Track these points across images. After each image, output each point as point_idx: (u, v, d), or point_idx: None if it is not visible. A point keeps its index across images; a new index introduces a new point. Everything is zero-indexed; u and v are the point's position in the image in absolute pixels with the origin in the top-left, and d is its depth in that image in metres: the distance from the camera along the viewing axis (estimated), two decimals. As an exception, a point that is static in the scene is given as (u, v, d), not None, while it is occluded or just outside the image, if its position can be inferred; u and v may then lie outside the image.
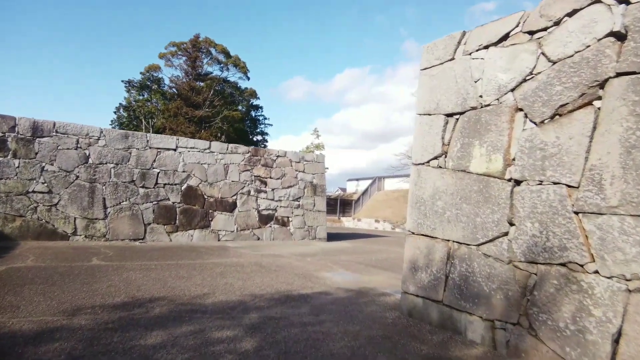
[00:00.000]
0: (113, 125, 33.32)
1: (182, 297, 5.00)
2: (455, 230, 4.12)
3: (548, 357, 3.20)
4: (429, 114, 4.61)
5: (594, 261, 3.01)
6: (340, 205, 36.56)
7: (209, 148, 13.10)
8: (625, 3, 3.03)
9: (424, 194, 4.54)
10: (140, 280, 5.83)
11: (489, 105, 3.97)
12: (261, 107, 40.17)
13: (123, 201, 11.44)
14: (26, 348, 3.12)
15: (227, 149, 13.47)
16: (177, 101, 31.98)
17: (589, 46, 3.23)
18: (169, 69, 36.34)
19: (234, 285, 5.80)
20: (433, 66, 4.64)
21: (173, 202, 12.20)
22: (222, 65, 35.12)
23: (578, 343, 3.02)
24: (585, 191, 3.11)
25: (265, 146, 37.66)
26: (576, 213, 3.15)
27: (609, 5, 3.13)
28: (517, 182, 3.63)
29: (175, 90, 34.09)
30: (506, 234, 3.65)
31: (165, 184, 12.13)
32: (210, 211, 12.82)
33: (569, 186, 3.23)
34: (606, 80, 3.08)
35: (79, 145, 11.08)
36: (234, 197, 13.35)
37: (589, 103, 3.19)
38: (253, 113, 39.77)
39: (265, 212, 13.93)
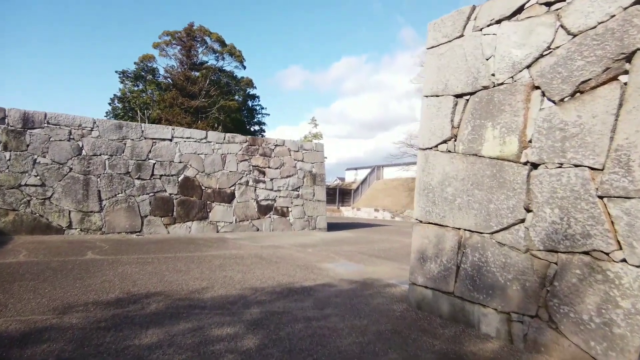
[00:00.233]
0: (108, 117, 32.89)
1: (179, 291, 4.79)
2: (467, 218, 3.89)
3: (570, 352, 3.00)
4: (437, 95, 4.35)
5: (621, 249, 2.79)
6: (339, 194, 36.38)
7: (206, 138, 12.81)
8: (657, -34, 2.76)
9: (432, 180, 4.30)
10: (136, 275, 5.62)
11: (502, 84, 3.71)
12: (258, 97, 39.79)
13: (119, 193, 11.19)
14: (11, 351, 2.90)
15: (224, 139, 13.19)
16: (173, 91, 31.54)
17: (613, 16, 2.97)
18: (163, 59, 35.93)
19: (234, 279, 5.59)
20: (440, 44, 4.37)
21: (170, 194, 11.95)
22: (217, 54, 34.63)
23: (604, 337, 2.81)
24: (611, 173, 2.87)
25: (262, 136, 37.29)
26: (601, 197, 2.93)
27: (638, -31, 2.86)
28: (534, 166, 3.39)
29: (170, 80, 33.62)
30: (523, 220, 3.42)
31: (161, 175, 11.87)
32: (208, 202, 12.59)
33: (592, 169, 3.00)
34: (634, 52, 2.83)
35: (71, 137, 10.78)
36: (232, 188, 13.11)
37: (614, 78, 2.94)
38: (250, 103, 39.35)
39: (264, 203, 13.70)
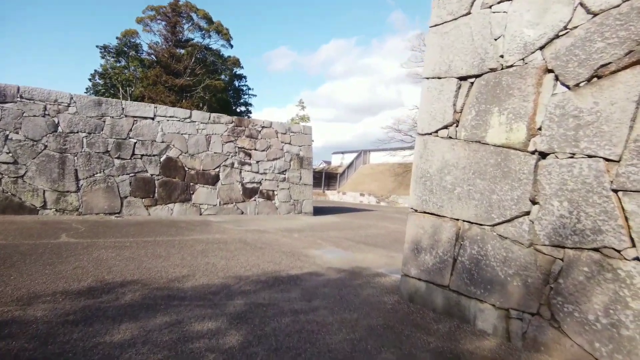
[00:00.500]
0: (88, 94, 31.72)
1: (158, 280, 4.49)
2: (467, 208, 3.67)
3: (572, 352, 2.84)
4: (439, 77, 4.08)
5: (634, 246, 2.60)
6: (325, 178, 36.16)
7: (190, 117, 12.33)
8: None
9: (430, 168, 4.06)
10: (112, 260, 5.29)
11: (511, 66, 3.45)
12: (245, 77, 38.93)
13: (97, 173, 10.70)
14: (-37, 348, 2.58)
15: (209, 119, 12.73)
16: (156, 69, 30.52)
17: (639, -6, 2.71)
18: (147, 35, 34.71)
19: (217, 266, 5.32)
20: (445, 22, 4.07)
21: (151, 174, 11.51)
22: (203, 32, 33.55)
23: (610, 338, 2.65)
24: (629, 165, 2.66)
25: (249, 117, 36.65)
26: (615, 191, 2.72)
27: (669, -58, 2.60)
28: (543, 155, 3.17)
29: (154, 57, 32.51)
30: (527, 213, 3.22)
31: (142, 155, 11.41)
32: (191, 184, 12.19)
33: (607, 160, 2.78)
34: (660, 34, 2.59)
35: (46, 113, 10.20)
36: (217, 170, 12.71)
37: (638, 62, 2.70)
38: (236, 83, 38.48)
39: (249, 186, 13.36)
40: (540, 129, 3.20)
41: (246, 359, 2.66)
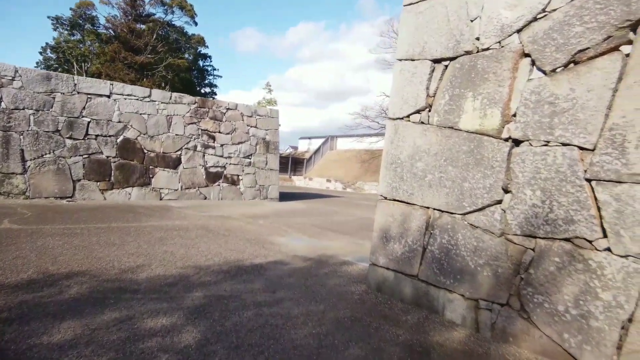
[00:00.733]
0: (39, 68, 29.61)
1: (109, 270, 4.15)
2: (438, 196, 3.56)
3: (541, 343, 2.80)
4: (412, 59, 3.91)
5: (606, 237, 2.56)
6: (292, 163, 35.86)
7: (149, 96, 11.66)
8: None
9: (401, 154, 3.92)
10: (58, 249, 4.86)
11: (487, 49, 3.32)
12: (210, 57, 37.62)
13: (46, 154, 9.94)
14: None
15: (170, 99, 12.10)
16: (115, 44, 28.85)
17: (620, -23, 2.62)
18: (104, 7, 32.65)
19: (175, 255, 5.01)
20: (420, 1, 3.88)
21: (107, 156, 10.84)
22: (166, 7, 31.93)
23: (580, 329, 2.62)
24: (603, 155, 2.60)
25: (213, 98, 35.55)
26: (589, 180, 2.66)
27: None
28: (517, 143, 3.08)
29: (112, 31, 30.71)
30: (499, 202, 3.13)
31: (97, 136, 10.70)
32: (151, 167, 11.60)
33: (582, 148, 2.72)
34: (640, 19, 2.52)
35: (-14, 86, 9.30)
36: (178, 153, 12.16)
37: (616, 48, 2.62)
38: (201, 62, 37.11)
39: (213, 170, 12.90)
40: (515, 115, 3.11)
41: (203, 359, 2.44)
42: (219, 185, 13.05)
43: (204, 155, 12.70)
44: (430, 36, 3.75)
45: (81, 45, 30.81)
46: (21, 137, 9.62)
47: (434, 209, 3.60)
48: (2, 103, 9.45)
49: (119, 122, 11.07)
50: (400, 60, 4.04)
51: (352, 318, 3.30)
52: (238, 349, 2.60)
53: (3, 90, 9.47)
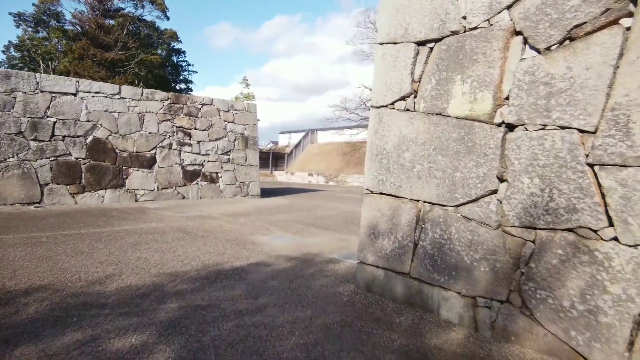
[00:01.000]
0: (2, 67, 28.23)
1: (74, 283, 3.79)
2: (427, 188, 3.33)
3: (546, 342, 2.62)
4: (395, 43, 3.65)
5: (612, 226, 2.38)
6: (273, 159, 35.41)
7: (119, 93, 11.11)
8: None
9: (386, 144, 3.67)
10: (19, 261, 4.46)
11: (475, 28, 3.09)
12: (184, 52, 36.63)
13: (9, 157, 9.34)
14: None
15: (142, 95, 11.56)
16: (83, 41, 27.70)
17: (618, -57, 2.41)
18: (70, 2, 31.31)
19: (149, 261, 4.66)
20: (400, -21, 3.62)
21: (77, 158, 10.28)
22: (135, 1, 30.83)
23: (587, 326, 2.43)
24: (606, 137, 2.41)
25: (189, 94, 34.68)
26: (591, 166, 2.47)
27: None
28: (511, 127, 2.86)
29: (79, 28, 29.48)
30: (495, 192, 2.92)
31: (64, 136, 10.13)
32: (124, 168, 11.09)
33: (582, 131, 2.52)
34: (641, -11, 2.31)
35: (-62, 87, 8.64)
36: (153, 152, 11.66)
37: (615, 21, 2.42)
38: (175, 58, 36.12)
39: (190, 168, 12.45)
40: (507, 98, 2.89)
41: (177, 385, 2.15)
42: (197, 183, 12.61)
43: (180, 154, 12.23)
44: (412, 17, 3.49)
45: (47, 43, 29.50)
46: (-20, 141, 9.00)
47: (424, 201, 3.37)
48: (-42, 105, 8.80)
49: (88, 121, 10.51)
50: (381, 44, 3.77)
51: (342, 323, 3.05)
52: (217, 369, 2.32)
53: (-42, 91, 8.82)
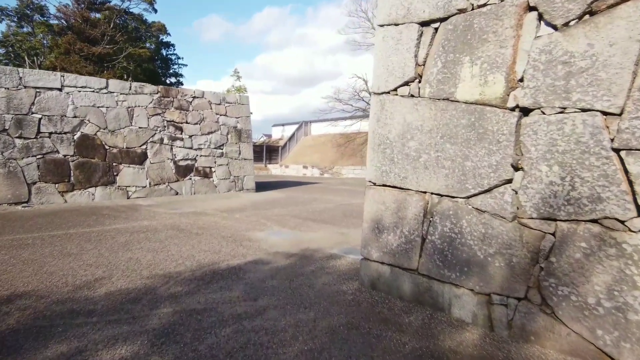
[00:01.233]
0: (-13, 65, 27.51)
1: (61, 288, 3.56)
2: (435, 179, 3.13)
3: (569, 342, 2.44)
4: (396, 24, 3.41)
5: (641, 216, 2.19)
6: (267, 152, 35.11)
7: (106, 87, 10.76)
8: None
9: (390, 133, 3.45)
10: (2, 265, 4.21)
11: (485, 5, 2.86)
12: (173, 45, 35.94)
13: (-7, 156, 9.01)
14: None
15: (130, 89, 11.22)
16: (69, 35, 27.02)
17: None
18: (54, -4, 30.37)
19: (141, 262, 4.43)
20: (402, -46, 3.37)
21: (64, 155, 9.96)
22: (121, -7, 30.08)
23: (616, 324, 2.25)
24: (633, 119, 2.21)
25: (179, 87, 34.10)
26: (617, 151, 2.27)
27: None
28: (526, 112, 2.66)
29: (64, 22, 28.76)
30: (509, 181, 2.72)
31: (51, 133, 9.79)
32: (114, 164, 10.78)
33: (606, 113, 2.31)
34: (672, -45, 2.10)
35: None
36: (144, 147, 11.35)
37: (643, -9, 2.20)
38: (164, 51, 35.48)
39: (183, 163, 12.16)
40: (521, 80, 2.67)
41: (171, 403, 1.94)
42: (190, 179, 12.33)
43: (171, 148, 11.93)
44: (416, -5, 3.25)
45: (32, 38, 28.78)
46: (-38, 139, 8.65)
47: (432, 193, 3.16)
48: (-63, 103, 8.44)
49: (75, 117, 10.17)
50: (381, 26, 3.54)
51: (348, 325, 2.86)
52: (215, 384, 2.11)
53: (-64, 88, 8.45)
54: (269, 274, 4.06)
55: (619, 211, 2.25)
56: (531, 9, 2.64)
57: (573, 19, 2.44)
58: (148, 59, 30.81)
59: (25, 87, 9.49)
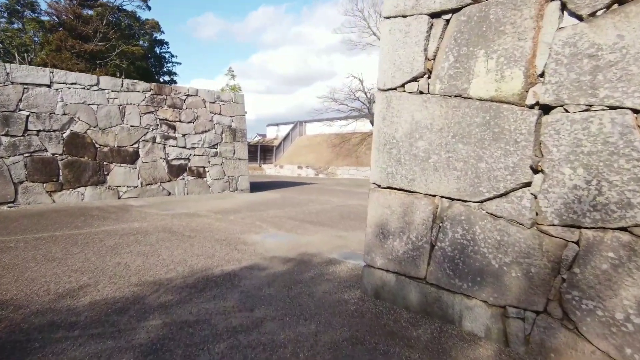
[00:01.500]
0: (-24, 61, 26.95)
1: (42, 297, 3.30)
2: (446, 181, 2.92)
3: None
4: (404, 16, 3.20)
5: (677, 224, 1.99)
6: (261, 152, 34.81)
7: (97, 84, 10.45)
8: None
9: (396, 132, 3.24)
10: (-20, 271, 3.94)
11: (502, -6, 2.66)
12: (167, 43, 35.58)
13: (-22, 154, 8.68)
14: None
15: (122, 86, 10.91)
16: (60, 32, 26.54)
17: None
18: (45, -8, 29.81)
19: (130, 267, 4.18)
20: (410, -59, 3.16)
21: (53, 154, 9.65)
22: (114, -10, 29.63)
23: (647, 342, 2.05)
24: (670, 118, 2.01)
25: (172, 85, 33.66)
26: (650, 152, 2.07)
27: None
28: (547, 109, 2.46)
29: (56, 18, 28.26)
30: (528, 185, 2.52)
31: (39, 131, 9.48)
32: (105, 163, 10.48)
33: (637, 111, 2.12)
34: None
35: None
36: (135, 146, 11.06)
37: (681, -22, 2.01)
38: (158, 49, 35.02)
39: (175, 162, 11.87)
40: (542, 75, 2.47)
41: None
42: (183, 179, 12.05)
43: (164, 147, 11.64)
44: (426, -16, 3.04)
45: (22, 35, 28.24)
46: (-54, 137, 8.32)
47: (442, 196, 2.96)
48: None
49: (64, 114, 9.86)
50: (388, 18, 3.32)
51: (352, 340, 2.64)
52: (207, 411, 1.88)
53: None
54: (266, 281, 3.83)
55: (652, 219, 2.06)
56: (553, -2, 2.43)
57: (600, 9, 2.24)
58: (141, 57, 30.37)
59: (12, 83, 9.16)
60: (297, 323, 2.88)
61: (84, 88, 10.20)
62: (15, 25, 28.81)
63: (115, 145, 10.66)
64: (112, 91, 10.68)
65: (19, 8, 27.83)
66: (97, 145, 10.36)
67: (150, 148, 11.32)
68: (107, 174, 10.51)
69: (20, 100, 9.25)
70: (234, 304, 3.22)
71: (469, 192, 2.79)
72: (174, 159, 11.83)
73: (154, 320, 2.88)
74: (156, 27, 32.58)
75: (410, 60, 3.13)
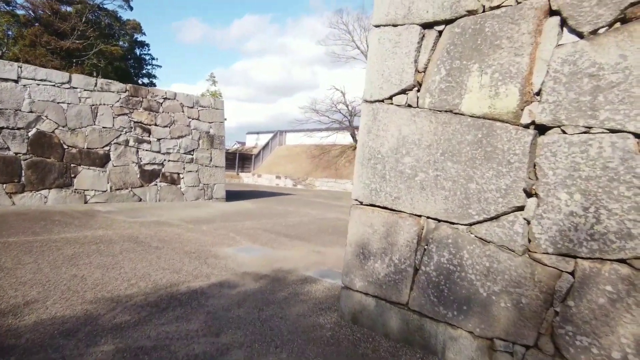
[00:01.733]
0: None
1: (-22, 314, 2.93)
2: (433, 201, 2.74)
3: (588, 402, 2.06)
4: (394, 25, 3.04)
5: (681, 258, 1.85)
6: (239, 160, 34.31)
7: (69, 82, 9.98)
8: None
9: (382, 147, 3.05)
10: None
11: (499, 7, 2.53)
12: (148, 45, 34.87)
13: None
14: None
15: (96, 86, 10.46)
16: (35, 27, 25.64)
17: None
18: (22, -14, 28.85)
19: (87, 281, 3.82)
20: (403, -52, 3.02)
21: (16, 153, 9.09)
22: (96, -12, 28.95)
23: (647, 386, 1.89)
24: (675, 145, 1.89)
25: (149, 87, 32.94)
26: (652, 180, 1.94)
27: None
28: (543, 130, 2.31)
29: (32, 13, 27.32)
30: (521, 209, 2.36)
31: (2, 128, 8.93)
32: (72, 165, 9.95)
33: (639, 135, 1.99)
34: None
35: None
36: (107, 148, 10.57)
37: (688, -2, 1.91)
38: (138, 51, 34.32)
39: (148, 167, 11.41)
40: (539, 93, 2.34)
41: None
42: (156, 185, 11.59)
43: (137, 151, 11.18)
44: (419, -7, 2.90)
45: (-5, 28, 27.14)
46: None
47: (429, 217, 2.77)
48: None
49: (31, 112, 9.33)
50: (377, 26, 3.16)
51: (327, 373, 2.39)
52: None
53: None
54: (236, 300, 3.55)
55: (654, 251, 1.91)
56: (553, 13, 2.31)
57: (603, 26, 2.13)
58: (120, 57, 29.64)
59: (-25, 76, 8.62)
60: (267, 351, 2.61)
61: (54, 85, 9.71)
62: (-13, 19, 27.69)
63: (85, 147, 10.16)
64: (85, 90, 10.22)
65: (-7, 0, 26.77)
66: (65, 146, 9.84)
67: (122, 151, 10.84)
68: (74, 177, 9.97)
69: (-17, 94, 8.70)
70: (199, 326, 2.93)
71: (458, 214, 2.61)
72: (147, 163, 11.37)
73: (106, 346, 2.56)
74: (137, 28, 31.96)
75: (400, 71, 2.97)
